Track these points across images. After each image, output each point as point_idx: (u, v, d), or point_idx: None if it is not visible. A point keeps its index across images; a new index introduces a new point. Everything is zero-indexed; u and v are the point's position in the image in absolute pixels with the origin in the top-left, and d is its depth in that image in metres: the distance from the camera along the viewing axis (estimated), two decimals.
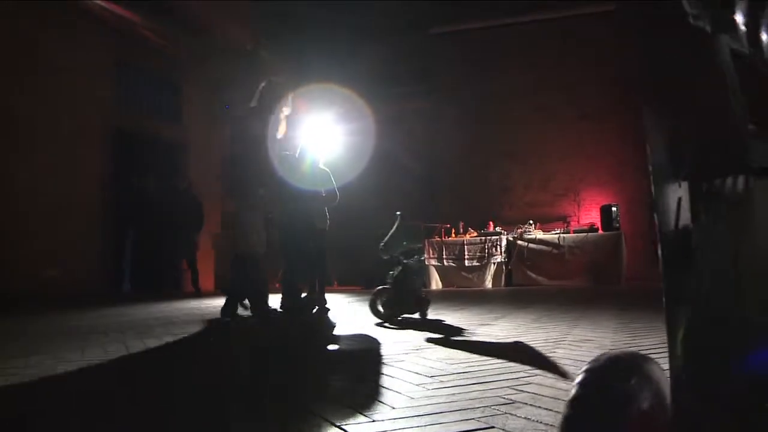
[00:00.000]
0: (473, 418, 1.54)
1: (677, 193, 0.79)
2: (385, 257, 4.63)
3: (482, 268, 9.25)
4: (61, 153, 7.47)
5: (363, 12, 11.37)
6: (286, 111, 4.37)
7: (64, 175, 7.48)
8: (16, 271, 6.65)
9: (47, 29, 7.32)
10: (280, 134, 4.35)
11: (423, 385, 1.98)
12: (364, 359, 2.80)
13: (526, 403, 1.68)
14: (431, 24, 11.51)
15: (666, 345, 0.80)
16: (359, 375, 2.39)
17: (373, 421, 1.57)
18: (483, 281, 9.15)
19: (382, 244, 4.62)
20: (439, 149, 11.37)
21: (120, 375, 2.51)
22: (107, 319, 4.80)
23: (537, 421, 1.50)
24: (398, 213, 4.71)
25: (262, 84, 8.39)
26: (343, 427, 1.52)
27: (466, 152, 11.12)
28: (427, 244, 9.17)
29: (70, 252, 7.44)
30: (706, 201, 0.77)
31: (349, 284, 10.14)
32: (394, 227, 4.65)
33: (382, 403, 1.76)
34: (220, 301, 4.97)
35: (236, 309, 4.78)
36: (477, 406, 1.67)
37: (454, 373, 2.18)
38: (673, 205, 0.80)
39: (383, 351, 2.88)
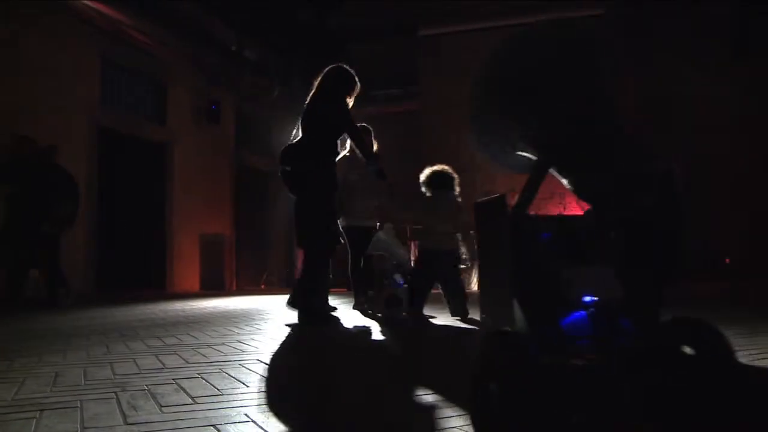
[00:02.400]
0: (441, 417, 1.56)
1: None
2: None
3: (468, 270, 9.27)
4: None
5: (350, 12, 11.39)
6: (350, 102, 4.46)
7: None
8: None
9: (30, 28, 7.23)
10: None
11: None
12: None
13: None
14: (419, 26, 11.53)
15: None
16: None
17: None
18: (469, 283, 9.18)
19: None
20: (425, 151, 11.38)
21: None
22: (87, 321, 4.76)
23: None
24: None
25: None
26: None
27: (452, 154, 11.14)
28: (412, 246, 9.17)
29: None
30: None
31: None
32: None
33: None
34: (199, 303, 4.89)
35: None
36: (452, 415, 1.69)
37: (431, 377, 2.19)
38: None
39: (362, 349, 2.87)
